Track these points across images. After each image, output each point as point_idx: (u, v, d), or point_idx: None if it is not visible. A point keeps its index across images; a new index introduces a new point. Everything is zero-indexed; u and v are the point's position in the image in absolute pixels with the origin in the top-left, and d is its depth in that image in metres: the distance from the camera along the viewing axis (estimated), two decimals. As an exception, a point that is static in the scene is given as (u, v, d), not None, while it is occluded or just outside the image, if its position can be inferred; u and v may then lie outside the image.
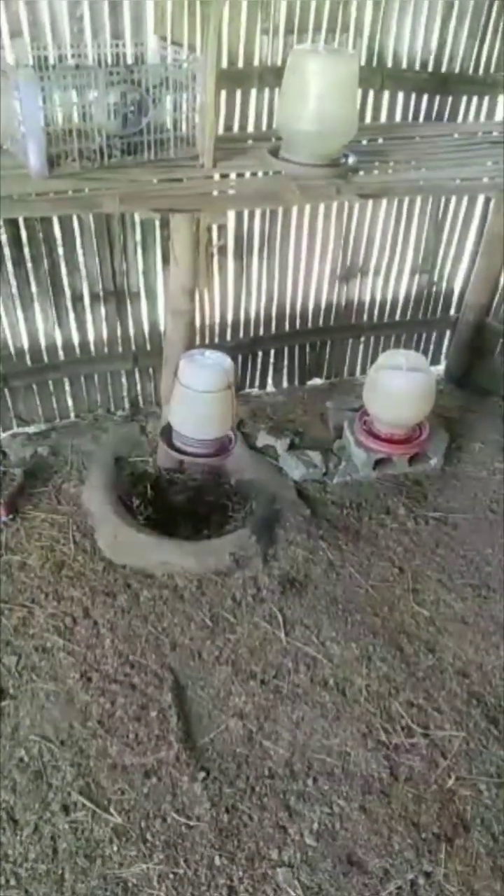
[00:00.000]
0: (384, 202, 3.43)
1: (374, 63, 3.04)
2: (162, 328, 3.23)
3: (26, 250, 2.97)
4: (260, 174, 2.67)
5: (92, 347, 3.34)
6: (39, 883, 1.91)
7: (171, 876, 1.95)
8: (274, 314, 3.61)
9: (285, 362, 3.83)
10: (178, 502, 3.10)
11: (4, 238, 2.91)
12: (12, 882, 1.91)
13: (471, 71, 3.22)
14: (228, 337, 3.58)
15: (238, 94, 2.90)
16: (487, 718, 2.38)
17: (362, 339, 3.91)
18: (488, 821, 2.13)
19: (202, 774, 2.16)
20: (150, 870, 1.96)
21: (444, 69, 3.17)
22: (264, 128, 2.98)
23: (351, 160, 2.65)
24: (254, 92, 2.91)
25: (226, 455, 2.92)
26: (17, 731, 2.23)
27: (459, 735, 2.33)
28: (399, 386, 3.09)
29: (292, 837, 2.05)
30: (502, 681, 2.50)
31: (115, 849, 1.99)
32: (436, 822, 2.11)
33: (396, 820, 2.11)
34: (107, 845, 2.00)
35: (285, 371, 3.86)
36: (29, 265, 3.01)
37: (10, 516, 2.91)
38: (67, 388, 3.42)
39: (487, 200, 3.59)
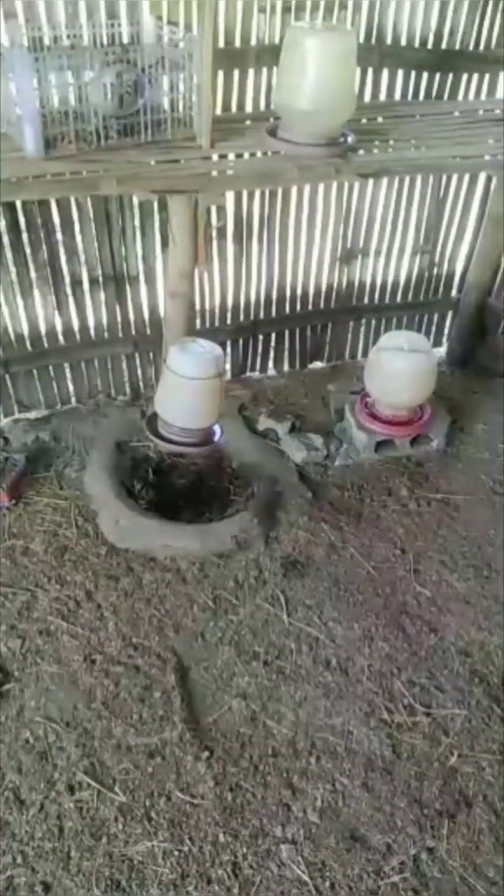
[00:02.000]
0: (384, 182, 3.40)
1: (373, 40, 3.02)
2: (162, 312, 3.22)
3: (25, 236, 2.96)
4: (259, 154, 2.65)
5: (92, 332, 3.33)
6: (46, 861, 1.94)
7: (176, 853, 1.97)
8: (274, 297, 3.59)
9: (286, 345, 3.82)
10: (179, 486, 3.11)
11: (3, 224, 2.90)
12: (19, 860, 1.93)
13: (471, 47, 3.19)
14: (229, 320, 3.57)
15: (235, 73, 2.88)
16: (489, 697, 2.39)
17: (363, 321, 3.89)
18: (490, 797, 2.14)
19: (206, 754, 2.18)
20: (155, 847, 1.98)
21: (444, 46, 3.14)
22: (262, 108, 2.96)
23: (350, 139, 2.63)
24: (251, 71, 2.90)
25: (210, 447, 2.92)
26: (23, 713, 2.25)
27: (461, 713, 2.34)
28: (400, 367, 3.08)
29: (295, 815, 2.07)
30: (504, 660, 2.51)
31: (121, 827, 2.01)
32: (438, 799, 2.13)
33: (399, 797, 2.13)
34: (112, 824, 2.02)
35: (286, 354, 3.85)
36: (27, 251, 3.00)
37: (13, 501, 2.92)
38: (68, 373, 3.42)
39: (489, 179, 3.56)
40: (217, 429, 2.93)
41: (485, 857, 2.02)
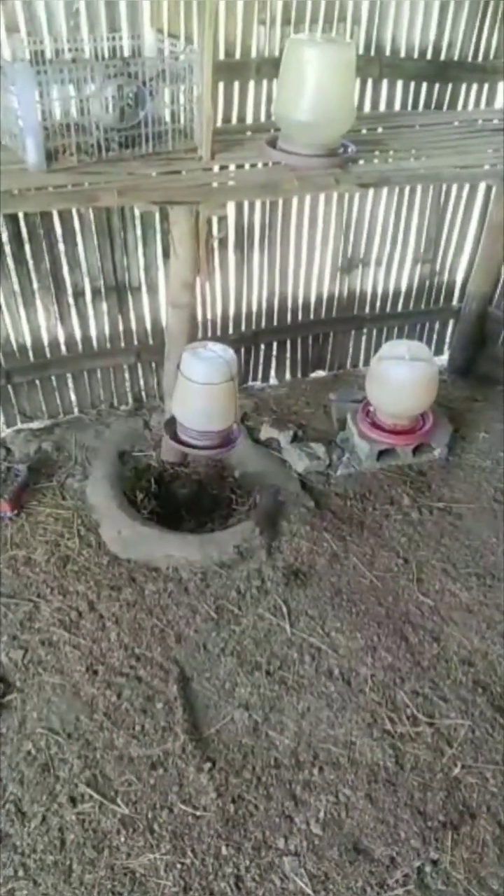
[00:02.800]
0: (384, 192, 3.42)
1: (372, 52, 3.03)
2: (164, 322, 3.22)
3: (27, 247, 2.97)
4: (259, 165, 2.67)
5: (94, 342, 3.34)
6: (47, 874, 1.93)
7: (179, 866, 1.96)
8: (275, 306, 3.60)
9: (287, 355, 3.83)
10: (181, 496, 3.11)
11: (5, 235, 2.92)
12: (20, 873, 1.93)
13: (470, 58, 3.21)
14: (230, 330, 3.58)
15: (236, 85, 2.89)
16: (493, 707, 2.38)
17: (365, 330, 3.90)
18: (494, 808, 2.13)
19: (208, 765, 2.17)
20: (158, 860, 1.97)
21: (443, 56, 3.16)
22: (263, 119, 2.98)
23: (350, 150, 2.64)
24: (252, 83, 2.91)
25: (230, 447, 2.92)
26: (25, 725, 2.25)
27: (465, 723, 2.33)
28: (402, 376, 3.08)
29: (298, 826, 2.06)
30: (508, 669, 2.50)
31: (123, 839, 2.00)
32: (442, 810, 2.12)
33: (402, 808, 2.11)
34: (114, 836, 2.01)
35: (288, 363, 3.86)
36: (30, 262, 3.02)
37: (15, 512, 2.92)
38: (70, 383, 3.43)
39: (489, 188, 3.57)
40: (235, 429, 2.93)
41: (489, 870, 2.00)
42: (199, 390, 2.70)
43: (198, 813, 2.07)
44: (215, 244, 3.21)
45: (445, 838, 2.06)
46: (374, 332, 3.92)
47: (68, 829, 2.02)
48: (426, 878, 1.98)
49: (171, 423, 2.91)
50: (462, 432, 3.50)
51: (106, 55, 2.54)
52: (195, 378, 2.69)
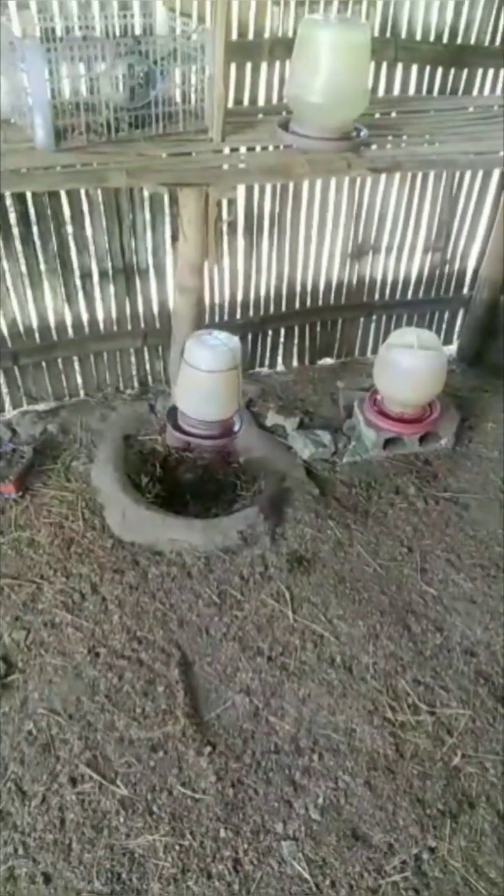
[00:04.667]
0: (397, 177, 3.38)
1: (388, 34, 2.99)
2: (171, 306, 3.21)
3: (35, 228, 2.95)
4: (270, 148, 2.64)
5: (101, 325, 3.33)
6: (47, 852, 1.94)
7: (177, 847, 1.97)
8: (284, 292, 3.58)
9: (295, 341, 3.80)
10: (186, 480, 3.10)
11: (13, 215, 2.90)
12: (20, 851, 1.94)
13: (487, 42, 3.16)
14: (238, 315, 3.55)
15: (248, 66, 2.85)
16: (494, 697, 2.38)
17: (374, 317, 3.87)
18: (493, 798, 2.13)
19: (208, 749, 2.17)
20: (157, 841, 1.98)
21: (459, 41, 3.11)
22: (275, 101, 2.94)
23: (363, 134, 2.61)
24: (264, 65, 2.87)
25: (231, 438, 2.91)
26: (26, 705, 2.25)
27: (466, 713, 2.33)
28: (410, 365, 3.06)
29: (297, 811, 2.06)
30: (510, 660, 2.50)
31: (122, 820, 2.01)
32: (441, 799, 2.12)
33: (401, 796, 2.12)
34: (113, 817, 2.02)
35: (295, 350, 3.83)
36: (37, 243, 3.00)
37: (20, 493, 2.92)
38: (76, 365, 3.42)
39: (503, 175, 3.53)
40: (237, 419, 2.92)
41: (487, 858, 2.00)
42: (202, 378, 2.69)
43: (197, 796, 2.07)
44: (224, 228, 3.18)
45: (444, 826, 2.06)
46: (384, 319, 3.89)
47: (68, 809, 2.03)
48: (424, 865, 1.98)
49: (174, 412, 2.90)
50: (470, 422, 3.48)
51: (117, 33, 2.51)
52: (199, 365, 2.68)
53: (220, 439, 2.90)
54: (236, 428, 2.93)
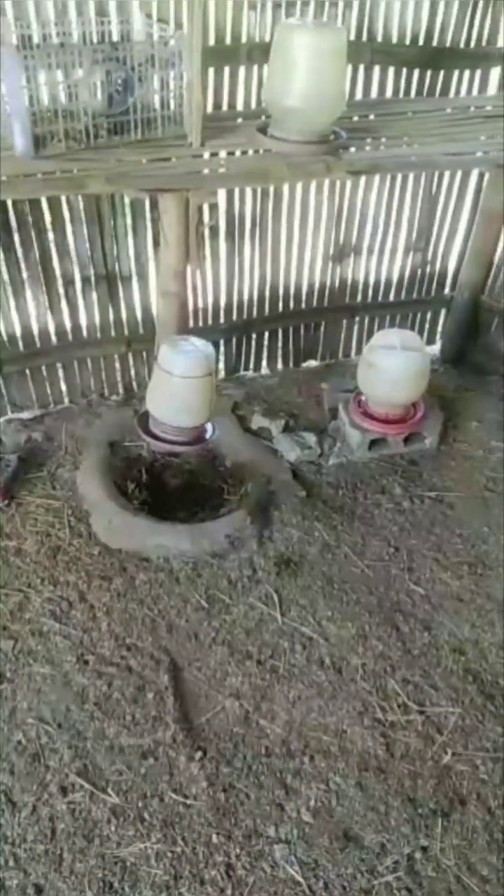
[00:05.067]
0: (376, 179, 3.40)
1: (364, 37, 3.01)
2: (154, 311, 3.20)
3: (16, 235, 2.95)
4: (250, 152, 2.65)
5: (84, 332, 3.32)
6: (38, 863, 1.92)
7: (169, 854, 1.96)
8: (267, 295, 3.59)
9: (279, 344, 3.81)
10: (172, 486, 3.09)
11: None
12: (11, 863, 1.92)
13: (462, 44, 3.19)
14: (222, 319, 3.56)
15: (226, 71, 2.86)
16: (483, 694, 2.39)
17: (357, 319, 3.88)
18: (484, 795, 2.14)
19: (199, 754, 2.17)
20: (149, 849, 1.97)
21: (435, 42, 3.14)
22: (254, 105, 2.95)
23: (341, 137, 2.62)
24: (242, 69, 2.88)
25: (202, 445, 2.91)
26: (15, 715, 2.24)
27: (455, 711, 2.34)
28: (393, 365, 3.07)
29: (289, 814, 2.06)
30: (498, 657, 2.51)
31: (113, 829, 2.00)
32: (432, 798, 2.12)
33: (393, 796, 2.12)
34: (105, 825, 2.01)
35: (280, 353, 3.84)
36: (19, 250, 2.99)
37: (6, 502, 2.90)
38: (61, 373, 3.40)
39: (481, 176, 3.56)
40: (209, 427, 2.92)
41: (479, 856, 2.01)
42: (175, 383, 2.69)
43: (188, 802, 2.07)
44: (206, 232, 3.19)
45: (435, 825, 2.06)
46: (367, 321, 3.91)
47: (59, 819, 2.01)
48: (416, 864, 1.99)
49: (145, 417, 2.89)
50: (454, 422, 3.50)
51: (94, 40, 2.51)
52: (172, 371, 2.68)
53: (190, 445, 2.90)
54: (208, 435, 2.92)
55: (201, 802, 2.07)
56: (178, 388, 2.70)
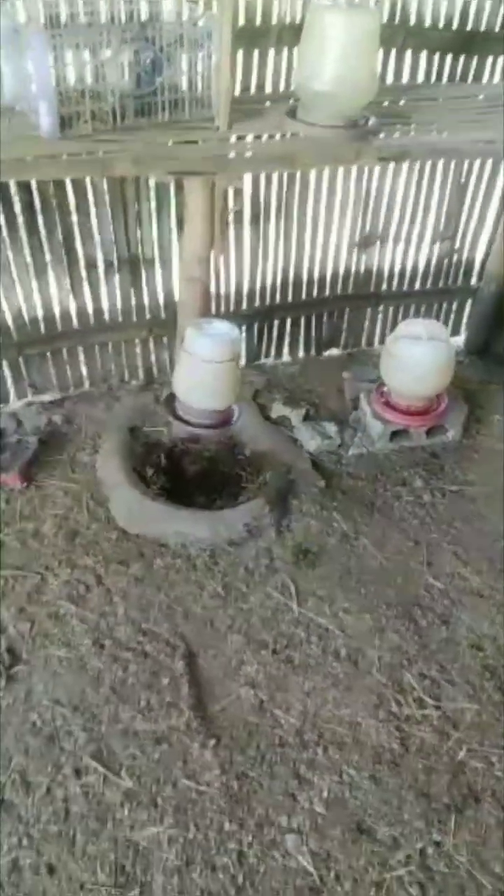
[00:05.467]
0: (405, 166, 3.34)
1: (397, 20, 2.95)
2: (177, 296, 3.18)
3: (40, 218, 2.93)
4: (277, 136, 2.61)
5: (106, 316, 3.31)
6: (51, 844, 1.94)
7: (181, 840, 1.97)
8: (291, 282, 3.55)
9: (302, 332, 3.78)
10: (192, 472, 3.08)
11: (18, 205, 2.88)
12: (25, 842, 1.94)
13: (497, 29, 3.11)
14: (244, 305, 3.53)
15: (255, 53, 2.82)
16: (501, 691, 2.36)
17: (381, 308, 3.84)
18: (499, 792, 2.12)
19: (213, 742, 2.17)
20: (161, 833, 1.97)
21: (469, 27, 3.07)
22: (283, 88, 2.90)
23: (371, 122, 2.57)
24: (272, 51, 2.84)
25: (228, 428, 2.90)
26: (31, 696, 2.25)
27: (472, 707, 2.32)
28: (417, 356, 3.04)
29: (302, 805, 2.06)
30: (517, 654, 2.48)
31: (126, 812, 2.01)
32: (446, 793, 2.11)
33: (406, 790, 2.11)
34: (118, 809, 2.02)
35: (301, 340, 3.81)
36: (42, 233, 2.98)
37: (25, 484, 2.91)
38: (82, 356, 3.40)
39: (512, 165, 3.49)
40: (235, 410, 2.91)
41: (492, 853, 2.00)
42: (201, 367, 2.67)
43: (201, 788, 2.07)
44: (231, 217, 3.15)
45: (449, 821, 2.05)
46: (391, 310, 3.86)
47: (72, 801, 2.03)
48: (429, 859, 1.98)
49: (171, 399, 2.88)
50: (477, 414, 3.45)
51: (122, 19, 2.47)
52: (199, 354, 2.66)
53: (217, 428, 2.88)
54: (234, 418, 2.91)
55: (214, 790, 2.07)
56: (203, 371, 2.69)
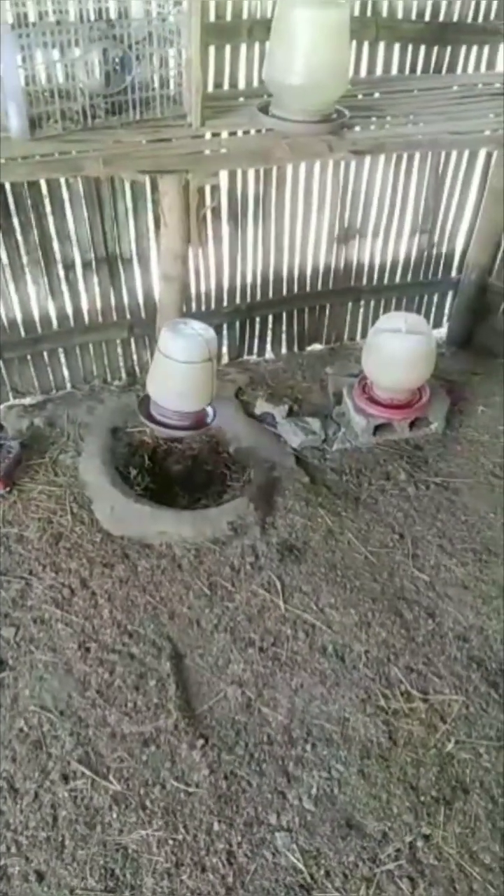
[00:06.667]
0: (382, 159, 3.33)
1: (368, 13, 2.93)
2: (156, 295, 3.17)
3: (15, 219, 2.91)
4: (252, 132, 2.59)
5: (86, 316, 3.29)
6: (40, 850, 1.93)
7: (171, 842, 1.96)
8: (270, 278, 3.54)
9: (283, 328, 3.77)
10: (175, 472, 3.08)
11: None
12: (13, 850, 1.93)
13: (469, 19, 3.10)
14: (224, 303, 3.51)
15: (227, 49, 2.80)
16: (487, 682, 2.37)
17: (362, 302, 3.83)
18: (487, 783, 2.13)
19: (201, 742, 2.16)
20: (150, 836, 1.97)
21: (441, 18, 3.06)
22: (255, 84, 2.88)
23: (345, 116, 2.56)
24: (243, 46, 2.82)
25: (203, 430, 2.89)
26: (17, 702, 2.24)
27: (459, 699, 2.32)
28: (398, 349, 3.03)
29: (291, 802, 2.06)
30: (503, 645, 2.49)
31: (115, 816, 2.00)
32: (435, 786, 2.11)
33: (395, 784, 2.11)
34: (106, 812, 2.01)
35: (283, 337, 3.80)
36: (18, 234, 2.95)
37: (7, 489, 2.89)
38: (62, 358, 3.38)
39: (489, 155, 3.48)
40: (210, 411, 2.90)
41: (481, 844, 2.00)
42: (176, 368, 2.66)
43: (190, 789, 2.07)
44: (208, 214, 3.14)
45: (438, 813, 2.06)
46: (372, 304, 3.86)
47: (60, 806, 2.02)
48: (418, 852, 1.98)
49: (146, 401, 2.87)
50: (460, 406, 3.46)
51: (91, 17, 2.45)
52: (173, 355, 2.64)
53: (192, 430, 2.88)
54: (209, 420, 2.90)
55: (203, 790, 2.07)
56: (178, 373, 2.67)
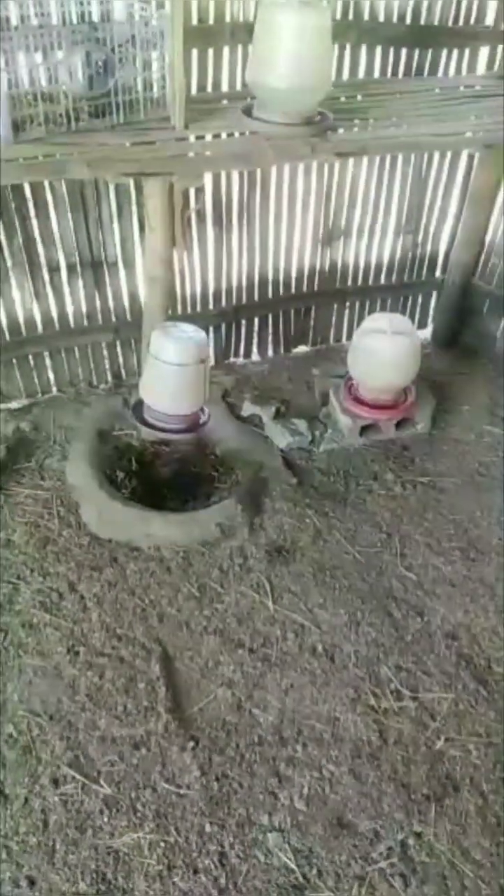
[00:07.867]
0: (365, 161, 3.35)
1: (350, 16, 2.96)
2: (142, 298, 3.17)
3: (-1, 222, 2.90)
4: (236, 135, 2.60)
5: (71, 320, 3.28)
6: (31, 855, 1.92)
7: (162, 844, 1.95)
8: (256, 281, 3.55)
9: (269, 330, 3.78)
10: (163, 474, 3.07)
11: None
12: (3, 855, 1.91)
13: (450, 22, 3.13)
14: (210, 305, 3.52)
15: (210, 52, 2.81)
16: (476, 680, 2.38)
17: (347, 303, 3.85)
18: (477, 780, 2.14)
19: (191, 744, 2.16)
20: (141, 839, 1.96)
21: (422, 21, 3.09)
22: (238, 87, 2.90)
23: (328, 118, 2.58)
24: (226, 49, 2.83)
25: (197, 432, 2.89)
26: (6, 707, 2.22)
27: (448, 697, 2.33)
28: (383, 350, 3.05)
29: (282, 802, 2.06)
30: (491, 642, 2.50)
31: (106, 819, 1.99)
32: (425, 784, 2.12)
33: (386, 782, 2.12)
34: (97, 816, 2.00)
35: (270, 339, 3.81)
36: (2, 237, 2.94)
37: (-6, 493, 2.88)
38: (48, 361, 3.37)
39: (471, 157, 3.51)
40: (203, 413, 2.90)
41: (472, 841, 2.01)
42: (168, 371, 2.66)
43: (181, 791, 2.06)
44: (192, 217, 3.14)
45: (429, 811, 2.06)
46: (357, 305, 3.88)
47: (51, 811, 2.00)
48: (410, 850, 1.99)
49: (139, 405, 2.87)
50: (445, 406, 3.48)
51: (74, 20, 2.45)
52: (165, 358, 2.65)
53: (186, 433, 2.88)
54: (203, 421, 2.90)
55: (194, 792, 2.06)
56: (170, 376, 2.67)
